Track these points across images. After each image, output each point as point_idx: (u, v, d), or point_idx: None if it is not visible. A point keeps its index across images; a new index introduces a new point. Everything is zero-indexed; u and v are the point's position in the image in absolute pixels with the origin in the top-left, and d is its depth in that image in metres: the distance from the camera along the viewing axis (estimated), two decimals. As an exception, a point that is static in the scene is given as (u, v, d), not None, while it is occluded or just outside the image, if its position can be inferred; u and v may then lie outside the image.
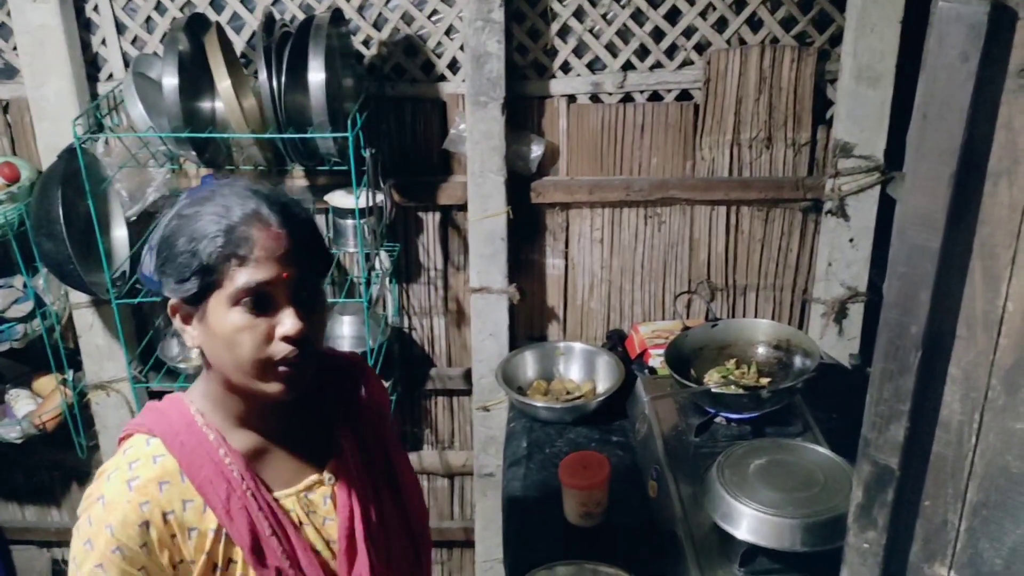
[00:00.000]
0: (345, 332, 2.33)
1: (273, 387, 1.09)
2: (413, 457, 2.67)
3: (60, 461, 2.65)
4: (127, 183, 2.15)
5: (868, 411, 0.98)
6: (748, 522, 1.49)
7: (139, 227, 2.25)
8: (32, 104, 2.21)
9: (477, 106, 2.18)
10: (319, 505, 1.19)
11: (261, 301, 1.07)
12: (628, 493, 1.85)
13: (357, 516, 1.18)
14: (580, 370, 2.28)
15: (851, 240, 2.28)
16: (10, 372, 2.46)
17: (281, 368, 1.08)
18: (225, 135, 1.98)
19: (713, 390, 1.84)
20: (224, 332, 1.06)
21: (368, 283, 2.24)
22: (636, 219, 2.39)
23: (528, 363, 2.30)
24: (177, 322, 1.12)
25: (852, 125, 2.20)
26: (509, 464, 2.05)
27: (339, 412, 1.25)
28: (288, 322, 1.07)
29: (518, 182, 2.32)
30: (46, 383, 2.43)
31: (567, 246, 2.44)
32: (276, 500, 1.15)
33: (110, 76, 2.27)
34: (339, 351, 1.38)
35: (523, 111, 2.30)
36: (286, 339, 1.07)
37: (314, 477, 1.19)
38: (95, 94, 2.26)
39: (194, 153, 2.00)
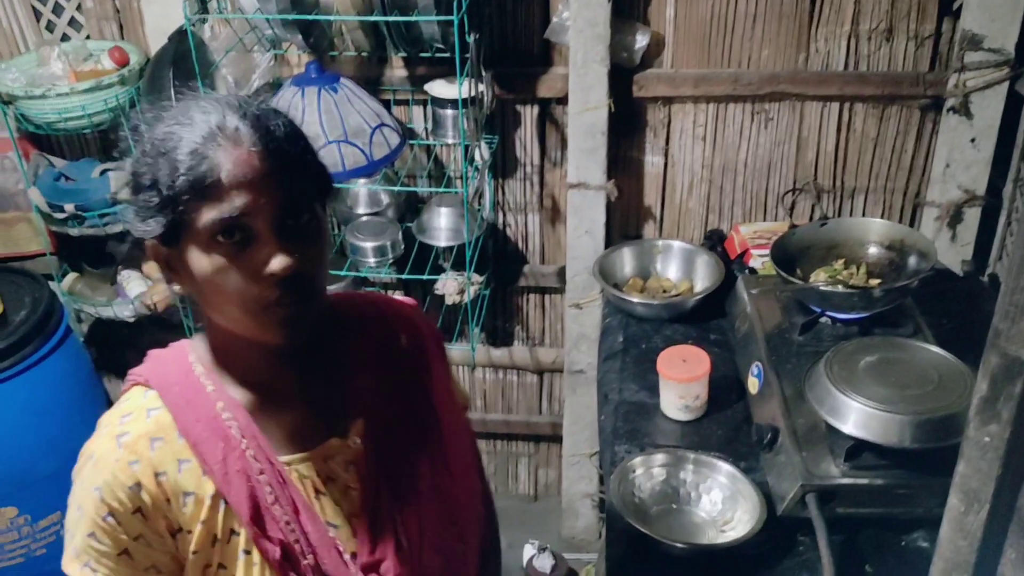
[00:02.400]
0: (442, 224, 2.34)
1: (271, 333, 0.94)
2: (503, 352, 2.71)
3: (169, 341, 2.76)
4: (233, 68, 2.16)
5: (1001, 300, 0.93)
6: (856, 417, 1.46)
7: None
8: (141, -12, 2.24)
9: (583, -8, 2.11)
10: (340, 472, 1.03)
11: (239, 235, 0.91)
12: (726, 389, 1.84)
13: (384, 487, 1.03)
14: (678, 269, 2.25)
15: (972, 140, 2.15)
16: (122, 254, 2.56)
17: (276, 310, 0.93)
18: (330, 18, 1.96)
19: (821, 288, 1.79)
20: (204, 276, 0.92)
21: (466, 176, 2.23)
22: (742, 115, 2.30)
23: (625, 260, 2.28)
24: (158, 267, 0.98)
25: (982, 15, 2.05)
26: (604, 357, 2.05)
27: (370, 365, 1.08)
28: (273, 259, 0.91)
29: (620, 75, 2.25)
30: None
31: (667, 143, 2.37)
32: (285, 465, 1.00)
33: (214, -39, 2.28)
34: (385, 296, 1.21)
35: (629, -1, 2.22)
36: (273, 277, 0.91)
37: (335, 441, 1.03)
38: (200, -22, 2.26)
39: (300, 37, 1.99)
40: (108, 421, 1.00)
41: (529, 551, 2.69)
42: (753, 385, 1.77)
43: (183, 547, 0.98)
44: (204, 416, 0.98)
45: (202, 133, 0.90)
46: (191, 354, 1.03)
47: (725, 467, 1.60)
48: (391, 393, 1.08)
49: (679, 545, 1.49)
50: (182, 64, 2.06)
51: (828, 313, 1.82)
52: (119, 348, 2.80)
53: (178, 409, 0.98)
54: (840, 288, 1.81)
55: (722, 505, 1.59)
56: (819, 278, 1.89)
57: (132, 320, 2.45)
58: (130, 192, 0.96)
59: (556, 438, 2.79)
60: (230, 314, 0.95)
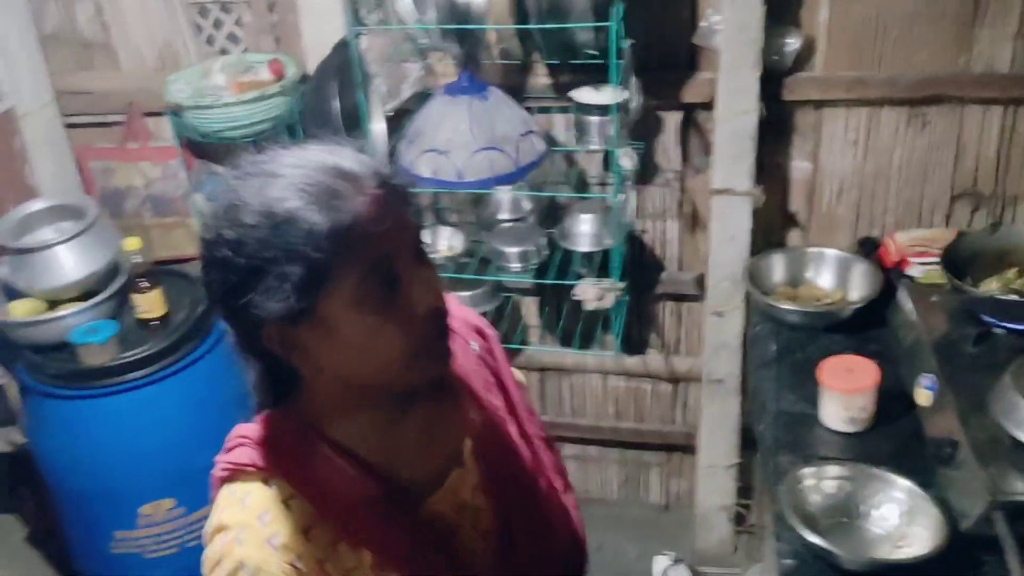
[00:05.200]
0: (584, 230, 2.34)
1: (433, 369, 0.91)
2: (637, 360, 2.69)
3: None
4: (386, 79, 2.22)
5: None
6: (1049, 432, 1.39)
7: (394, 122, 2.33)
8: (298, 2, 2.32)
9: (736, -5, 2.09)
10: (467, 498, 1.01)
11: (389, 281, 0.85)
12: (891, 401, 1.78)
13: (510, 496, 1.03)
14: (831, 277, 2.19)
15: None
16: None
17: (437, 345, 0.90)
18: (490, 27, 2.00)
19: (997, 297, 1.72)
20: (355, 339, 0.85)
21: (617, 182, 2.23)
22: (897, 119, 2.23)
23: (774, 267, 2.23)
24: (276, 348, 0.88)
25: None
26: (757, 366, 2.02)
27: (464, 384, 1.05)
28: (428, 292, 0.87)
29: (768, 78, 2.21)
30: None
31: (816, 148, 2.32)
32: (424, 510, 0.97)
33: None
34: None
35: (781, 1, 2.18)
36: (428, 314, 0.87)
37: (456, 471, 1.01)
38: (355, -8, 2.34)
39: (456, 46, 2.03)
40: (242, 522, 0.90)
41: (662, 563, 2.66)
42: (924, 397, 1.71)
43: None
44: (344, 495, 0.93)
45: (329, 181, 0.83)
46: (298, 425, 0.95)
47: (902, 482, 1.55)
48: (484, 406, 1.06)
49: (857, 560, 1.45)
50: (341, 74, 2.12)
51: (1003, 324, 1.74)
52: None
53: (316, 494, 0.92)
54: (1016, 298, 1.73)
55: (898, 520, 1.53)
56: (990, 287, 1.81)
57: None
58: (242, 280, 0.84)
59: (689, 448, 2.75)
60: (384, 371, 0.88)
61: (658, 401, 2.76)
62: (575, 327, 2.55)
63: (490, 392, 1.08)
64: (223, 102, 2.19)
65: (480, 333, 1.14)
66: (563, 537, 1.11)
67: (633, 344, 2.70)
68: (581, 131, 2.26)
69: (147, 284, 2.27)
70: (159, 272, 2.39)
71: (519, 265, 2.32)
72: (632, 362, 2.71)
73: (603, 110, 2.13)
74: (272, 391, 0.98)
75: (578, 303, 2.37)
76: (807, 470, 1.59)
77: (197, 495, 2.35)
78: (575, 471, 2.92)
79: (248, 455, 0.94)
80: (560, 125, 2.44)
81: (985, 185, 2.25)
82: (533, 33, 2.01)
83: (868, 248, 2.25)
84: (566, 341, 2.67)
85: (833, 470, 1.59)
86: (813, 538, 1.45)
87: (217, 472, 0.96)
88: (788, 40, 2.18)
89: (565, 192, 2.42)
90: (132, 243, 2.26)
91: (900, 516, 1.54)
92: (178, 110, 2.25)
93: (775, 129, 2.30)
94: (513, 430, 1.08)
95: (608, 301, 2.35)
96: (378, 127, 2.30)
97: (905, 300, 1.93)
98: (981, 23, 2.10)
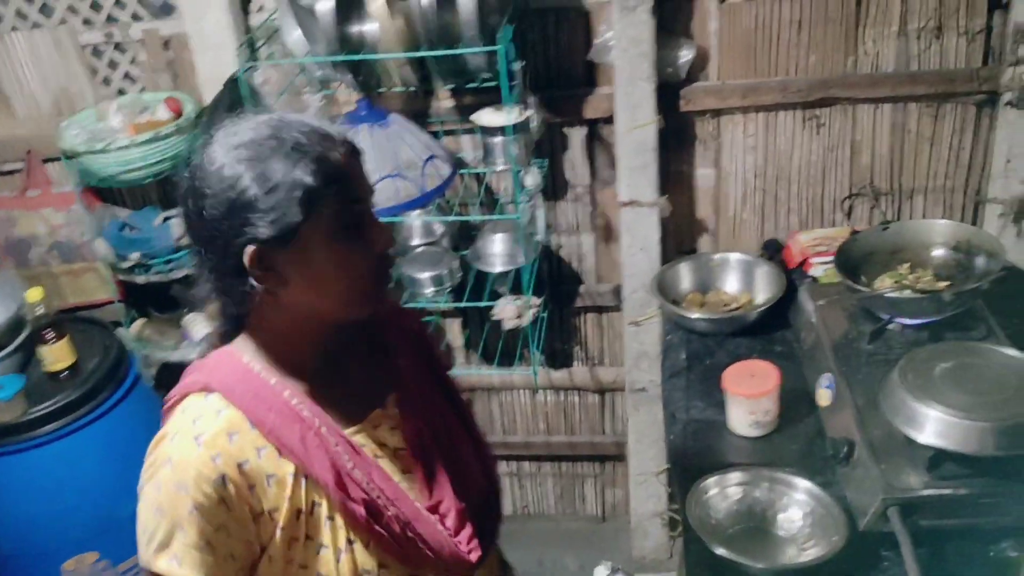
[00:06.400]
0: (497, 250, 2.35)
1: (371, 305, 1.08)
2: (563, 374, 2.71)
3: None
4: (285, 111, 2.20)
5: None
6: (935, 426, 1.43)
7: (297, 154, 2.32)
8: (191, 39, 2.30)
9: (625, 11, 2.11)
10: (387, 437, 1.15)
11: (357, 218, 1.04)
12: (795, 403, 1.81)
13: (428, 444, 1.16)
14: (737, 281, 2.23)
15: (1034, 133, 2.11)
16: (186, 298, 2.61)
17: (382, 282, 1.08)
18: (381, 56, 1.99)
19: (888, 295, 1.76)
20: (327, 266, 1.02)
21: (519, 202, 2.24)
22: (793, 123, 2.28)
23: (682, 275, 2.26)
24: (256, 273, 1.02)
25: (1036, 6, 2.01)
26: (668, 376, 2.04)
27: (397, 346, 1.22)
28: (383, 235, 1.06)
29: (666, 90, 2.25)
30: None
31: (718, 155, 2.36)
32: (347, 436, 1.11)
33: (260, 8, 2.33)
34: None
35: (671, 14, 2.21)
36: (382, 253, 1.06)
37: (377, 411, 1.15)
38: (249, 27, 2.32)
39: (350, 76, 2.03)
40: (178, 428, 1.05)
41: (602, 572, 2.66)
42: (824, 397, 1.74)
43: (264, 531, 1.05)
44: (275, 405, 1.06)
45: (315, 136, 1.01)
46: (243, 355, 1.09)
47: (803, 483, 1.58)
48: (416, 369, 1.22)
49: (761, 566, 1.47)
50: (236, 110, 2.10)
51: (897, 319, 1.79)
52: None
53: (247, 403, 1.05)
54: (908, 293, 1.78)
55: (802, 522, 1.56)
56: (884, 284, 1.86)
57: (199, 362, 2.50)
58: (257, 192, 0.99)
59: (621, 457, 2.77)
60: (338, 298, 1.05)
61: (587, 413, 2.78)
62: (498, 346, 2.55)
63: (427, 363, 1.25)
64: (117, 145, 2.15)
65: (416, 319, 1.36)
66: (477, 483, 1.22)
67: (558, 358, 2.71)
68: (486, 152, 2.27)
69: (53, 335, 2.22)
70: (67, 321, 2.34)
71: (433, 289, 2.32)
72: (558, 376, 2.72)
73: (505, 130, 2.14)
74: (232, 321, 1.12)
75: (499, 322, 2.38)
76: (711, 479, 1.61)
77: (123, 546, 2.31)
78: (511, 488, 2.92)
79: (192, 379, 1.09)
80: (468, 146, 2.45)
81: (881, 181, 2.31)
82: (426, 59, 2.02)
83: (772, 250, 2.29)
84: (491, 360, 2.68)
85: (736, 477, 1.61)
86: (719, 550, 1.47)
87: (167, 404, 1.10)
88: (681, 52, 2.22)
89: (475, 214, 2.43)
90: (34, 294, 2.21)
91: (804, 518, 1.56)
92: (73, 155, 2.20)
93: (677, 139, 2.34)
94: (438, 397, 1.24)
95: (527, 318, 2.36)
96: (280, 161, 2.28)
97: (806, 300, 1.97)
98: (864, 24, 2.16)
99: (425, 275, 2.31)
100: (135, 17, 2.38)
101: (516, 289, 2.35)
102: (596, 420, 2.79)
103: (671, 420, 1.91)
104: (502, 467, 2.87)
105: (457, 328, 2.70)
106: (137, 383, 2.41)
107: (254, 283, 1.02)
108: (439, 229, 2.44)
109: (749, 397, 1.74)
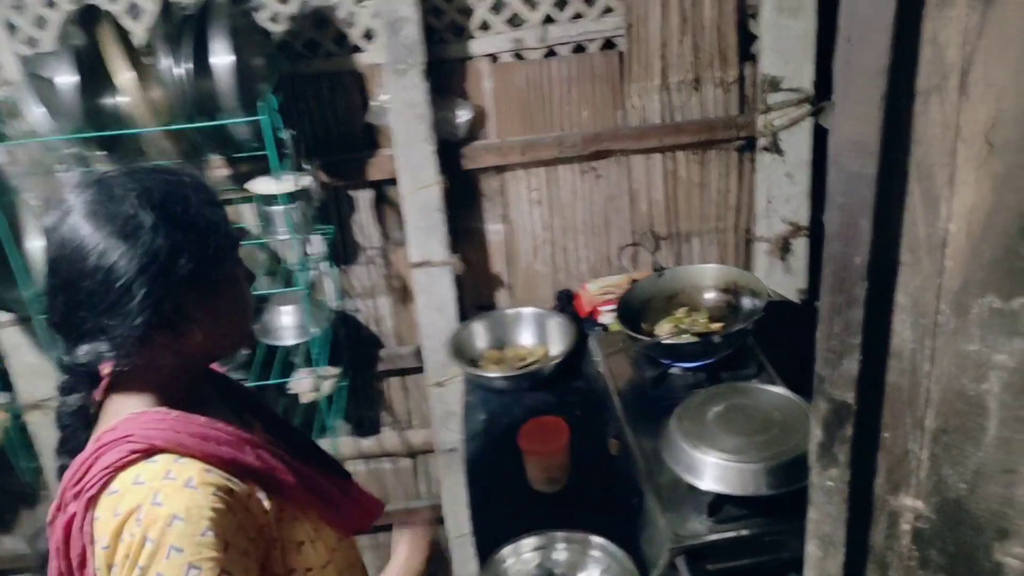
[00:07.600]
0: (286, 323, 2.25)
1: (252, 336, 1.28)
2: (372, 441, 2.63)
3: (3, 485, 2.55)
4: (39, 191, 2.03)
5: (819, 347, 0.95)
6: (711, 471, 1.47)
7: (55, 236, 2.14)
8: (-77, 118, 2.08)
9: (397, 74, 2.10)
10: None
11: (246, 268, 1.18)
12: (590, 454, 1.82)
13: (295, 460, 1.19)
14: (532, 335, 2.24)
15: (788, 175, 2.26)
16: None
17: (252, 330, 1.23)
18: (131, 131, 1.88)
19: (663, 341, 1.81)
20: (242, 301, 1.14)
21: (304, 269, 2.16)
22: (572, 175, 2.34)
23: (478, 333, 2.25)
24: (168, 311, 1.06)
25: (777, 58, 2.17)
26: (469, 437, 2.01)
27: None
28: (252, 283, 1.20)
29: (448, 149, 2.25)
30: (-22, 408, 2.32)
31: (506, 210, 2.38)
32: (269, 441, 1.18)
33: (5, 82, 2.15)
34: None
35: (445, 75, 2.23)
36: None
37: (258, 426, 1.25)
38: (-10, 101, 2.13)
39: (102, 153, 1.89)
40: (155, 489, 1.00)
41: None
42: (614, 447, 1.76)
43: (260, 549, 1.06)
44: (218, 437, 1.07)
45: (209, 190, 1.10)
46: (148, 405, 1.08)
47: (597, 540, 1.58)
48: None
49: (559, 632, 1.45)
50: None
51: (676, 364, 1.84)
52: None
53: (197, 447, 1.04)
54: (683, 338, 1.84)
55: (599, 579, 1.56)
56: (664, 329, 1.92)
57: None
58: (175, 246, 1.03)
59: (438, 520, 2.71)
60: (239, 331, 1.16)
61: (400, 478, 2.71)
62: (300, 421, 2.44)
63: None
64: None
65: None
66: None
67: (366, 425, 2.63)
68: (266, 221, 2.18)
69: None
70: None
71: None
72: (368, 443, 2.64)
73: (279, 199, 2.06)
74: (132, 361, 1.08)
75: (296, 397, 2.27)
76: (506, 549, 1.59)
77: None
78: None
79: (117, 454, 1.02)
80: (249, 216, 2.35)
81: (660, 227, 2.41)
82: (189, 130, 1.92)
83: (565, 301, 2.33)
84: (294, 435, 2.55)
85: (532, 542, 1.60)
86: (515, 620, 1.44)
87: (86, 492, 1.02)
88: (459, 112, 2.23)
89: (261, 285, 2.32)
90: None
91: (602, 575, 1.56)
92: None
93: (464, 196, 2.34)
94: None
95: (326, 389, 2.27)
96: (35, 244, 2.10)
97: (595, 350, 2.00)
98: (629, 80, 2.25)
99: (209, 355, 2.18)
100: None
101: (311, 361, 2.27)
102: (410, 484, 2.72)
103: (472, 483, 1.88)
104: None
105: (255, 405, 2.56)
106: None
107: (167, 329, 1.06)
108: (224, 304, 2.31)
109: (542, 455, 1.74)
